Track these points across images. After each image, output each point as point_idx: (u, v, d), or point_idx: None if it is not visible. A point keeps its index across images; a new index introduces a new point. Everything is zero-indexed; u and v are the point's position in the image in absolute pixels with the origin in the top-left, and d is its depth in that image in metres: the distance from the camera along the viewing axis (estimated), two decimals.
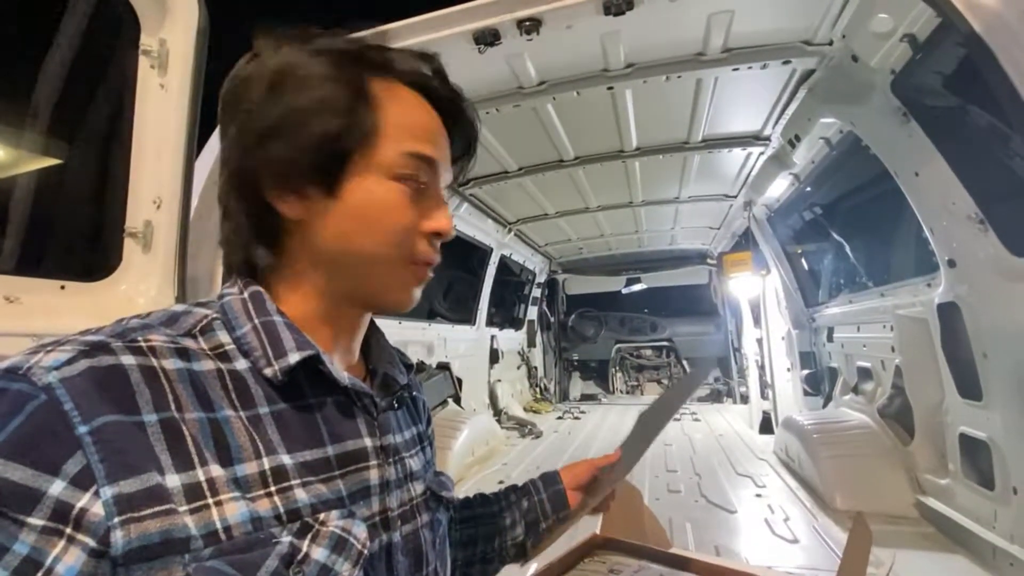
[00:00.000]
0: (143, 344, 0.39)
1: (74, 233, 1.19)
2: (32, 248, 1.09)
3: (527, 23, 1.50)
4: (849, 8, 1.59)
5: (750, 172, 3.17)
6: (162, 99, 1.18)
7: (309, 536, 0.40)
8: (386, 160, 0.48)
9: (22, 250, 1.08)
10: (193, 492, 0.36)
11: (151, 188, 1.18)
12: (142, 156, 1.17)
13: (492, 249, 4.39)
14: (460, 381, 3.84)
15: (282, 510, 0.40)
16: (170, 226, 1.20)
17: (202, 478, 0.37)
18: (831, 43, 1.78)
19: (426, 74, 0.52)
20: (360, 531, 0.44)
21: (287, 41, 0.48)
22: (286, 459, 0.42)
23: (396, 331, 3.27)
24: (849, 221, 2.99)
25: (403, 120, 0.49)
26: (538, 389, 5.98)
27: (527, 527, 0.77)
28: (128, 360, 0.37)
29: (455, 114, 0.54)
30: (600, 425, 4.61)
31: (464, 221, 3.64)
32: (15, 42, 1.13)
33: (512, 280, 5.47)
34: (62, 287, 1.08)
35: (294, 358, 0.44)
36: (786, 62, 1.91)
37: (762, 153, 2.83)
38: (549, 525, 0.78)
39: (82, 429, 0.33)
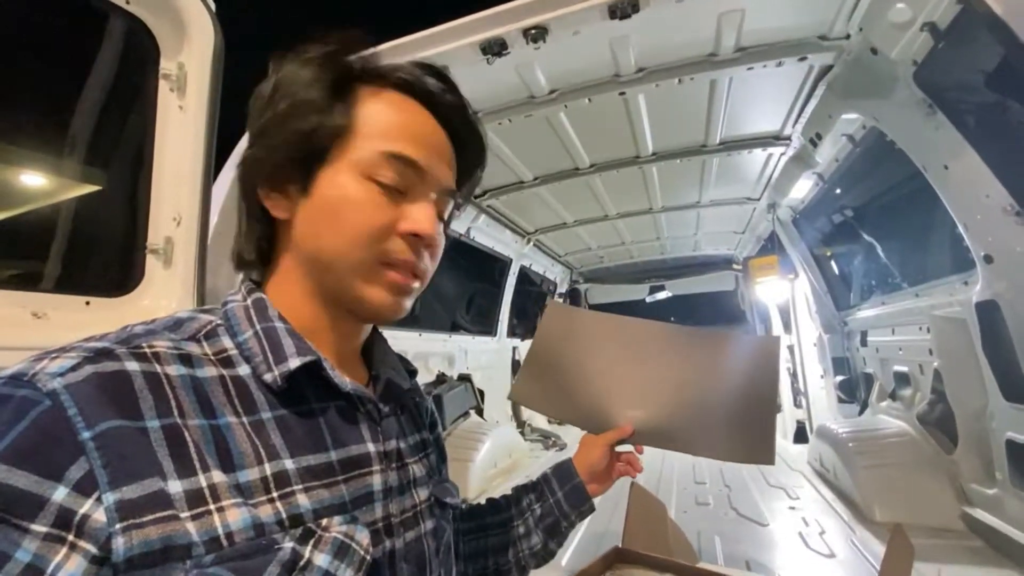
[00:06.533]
0: (147, 350, 0.39)
1: (99, 251, 1.24)
2: (59, 266, 1.14)
3: (533, 31, 1.50)
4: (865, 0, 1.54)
5: (772, 173, 3.08)
6: (181, 120, 1.22)
7: (311, 542, 0.40)
8: (361, 158, 0.48)
9: (50, 268, 1.13)
10: (195, 498, 0.36)
11: (171, 206, 1.22)
12: (162, 175, 1.21)
13: (511, 260, 4.38)
14: (482, 392, 3.82)
15: (284, 516, 0.40)
16: (189, 242, 1.23)
17: (204, 484, 0.37)
18: (848, 37, 1.73)
19: (422, 80, 0.52)
20: (363, 536, 0.43)
21: (289, 57, 0.51)
22: (288, 464, 0.42)
23: (416, 342, 3.28)
24: (878, 219, 2.88)
25: (381, 120, 0.50)
26: None
27: (547, 532, 0.75)
28: (132, 366, 0.38)
29: (457, 122, 0.54)
30: None
31: (482, 232, 3.64)
32: (56, 77, 1.20)
33: (533, 290, 5.45)
34: (87, 303, 1.12)
35: (294, 363, 0.45)
36: (802, 59, 1.86)
37: (783, 153, 2.75)
38: (572, 521, 0.77)
39: (85, 435, 0.33)
